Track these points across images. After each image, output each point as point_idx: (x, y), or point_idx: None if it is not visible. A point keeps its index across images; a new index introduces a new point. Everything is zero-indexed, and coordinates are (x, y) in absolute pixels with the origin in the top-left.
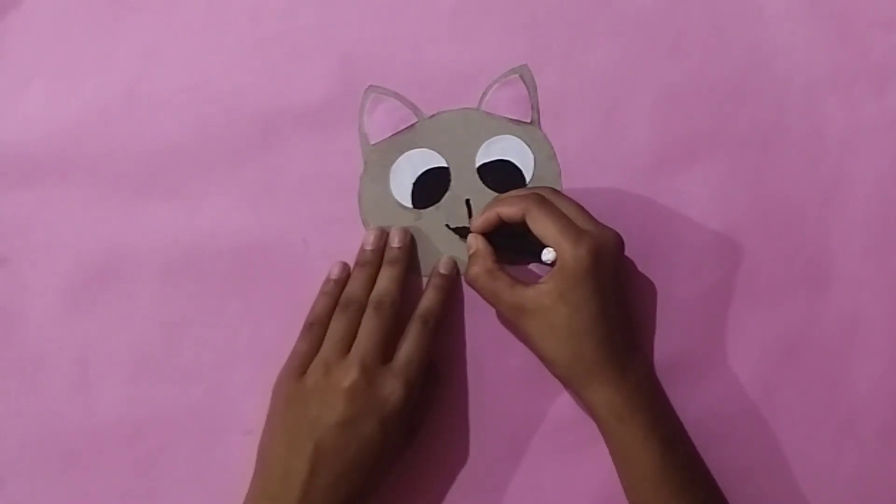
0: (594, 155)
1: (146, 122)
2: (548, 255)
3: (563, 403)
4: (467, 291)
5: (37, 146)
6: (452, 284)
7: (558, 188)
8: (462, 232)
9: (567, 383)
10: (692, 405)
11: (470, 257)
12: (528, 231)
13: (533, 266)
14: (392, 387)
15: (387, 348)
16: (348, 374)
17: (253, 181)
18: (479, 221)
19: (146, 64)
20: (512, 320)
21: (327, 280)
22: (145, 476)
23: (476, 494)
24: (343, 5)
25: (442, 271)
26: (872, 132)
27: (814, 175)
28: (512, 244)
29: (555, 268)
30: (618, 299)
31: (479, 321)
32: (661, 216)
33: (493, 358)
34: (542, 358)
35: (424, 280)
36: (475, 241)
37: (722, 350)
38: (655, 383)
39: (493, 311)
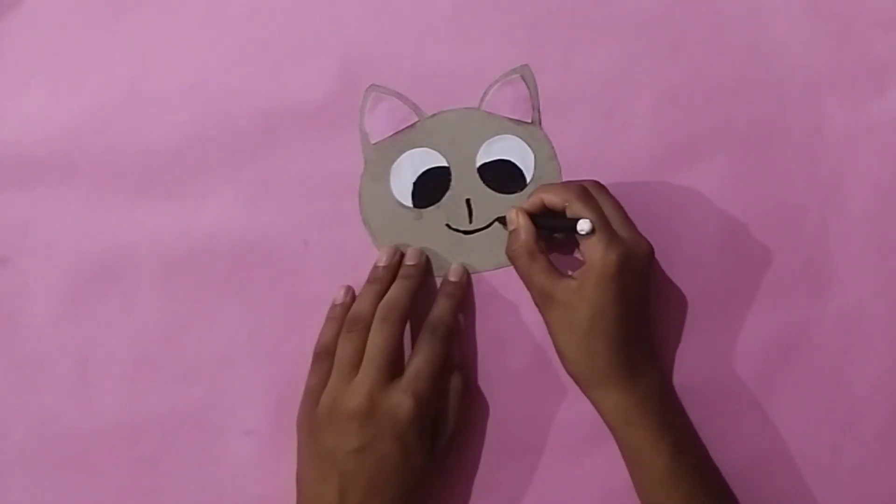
0: (595, 155)
1: (146, 122)
2: (584, 225)
3: (570, 405)
4: (476, 293)
5: (37, 146)
6: (463, 292)
7: None
8: (502, 220)
9: (577, 381)
10: (691, 405)
11: (511, 233)
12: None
13: (572, 257)
14: (400, 402)
15: (397, 362)
16: (355, 400)
17: (253, 181)
18: (525, 204)
19: (146, 63)
20: (539, 305)
21: (333, 305)
22: (145, 476)
23: (481, 495)
24: (343, 5)
25: (452, 279)
26: (872, 132)
27: (814, 175)
28: (549, 222)
29: (583, 267)
30: (640, 309)
31: (485, 324)
32: (661, 216)
33: (499, 360)
34: (557, 350)
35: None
36: (518, 217)
37: (722, 350)
38: (668, 391)
39: (499, 313)
